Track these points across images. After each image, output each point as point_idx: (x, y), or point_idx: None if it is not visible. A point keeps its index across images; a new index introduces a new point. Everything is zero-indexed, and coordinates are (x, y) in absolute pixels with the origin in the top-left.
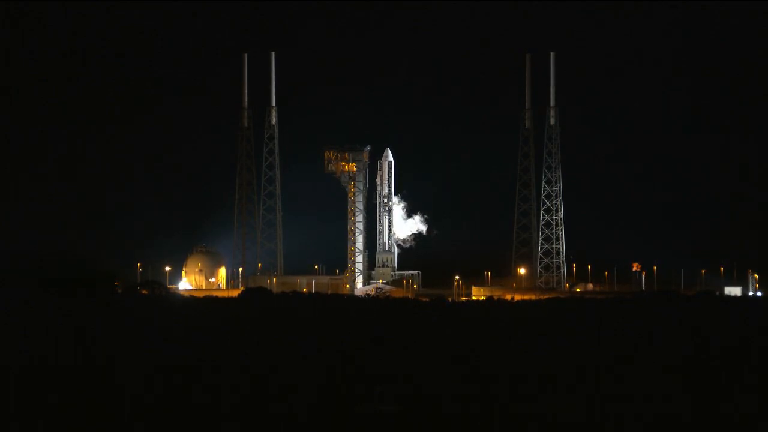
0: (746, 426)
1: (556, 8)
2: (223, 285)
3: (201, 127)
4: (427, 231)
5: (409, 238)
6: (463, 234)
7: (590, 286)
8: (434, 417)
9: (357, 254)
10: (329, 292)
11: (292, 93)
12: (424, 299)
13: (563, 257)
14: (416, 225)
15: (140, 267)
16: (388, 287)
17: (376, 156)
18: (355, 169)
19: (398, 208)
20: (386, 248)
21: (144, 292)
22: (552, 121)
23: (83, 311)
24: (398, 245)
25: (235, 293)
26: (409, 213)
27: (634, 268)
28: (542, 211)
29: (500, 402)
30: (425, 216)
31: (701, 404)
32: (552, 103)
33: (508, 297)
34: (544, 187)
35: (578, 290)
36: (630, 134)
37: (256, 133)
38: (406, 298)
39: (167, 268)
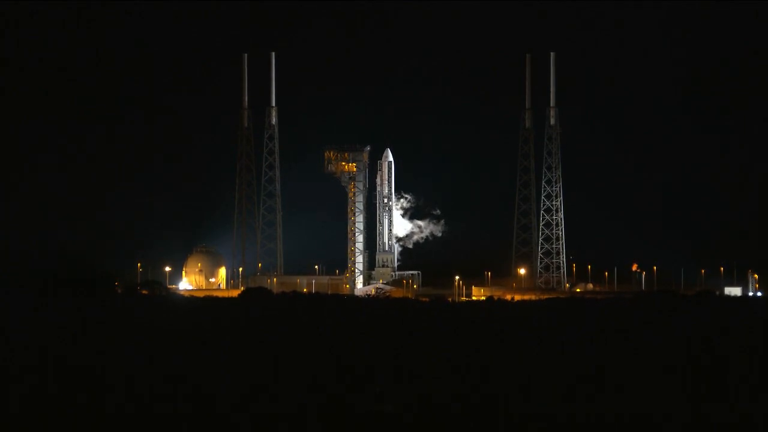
0: (746, 426)
1: (556, 8)
2: (223, 285)
3: (201, 127)
4: (443, 231)
5: (419, 239)
6: (462, 234)
7: (590, 286)
8: (434, 417)
9: (357, 254)
10: (329, 292)
11: (292, 93)
12: (424, 299)
13: (563, 257)
14: (428, 226)
15: (140, 267)
16: (388, 287)
17: (376, 156)
18: (355, 169)
19: (399, 208)
20: (386, 248)
21: (144, 292)
22: (552, 121)
23: (83, 311)
24: (404, 246)
25: (235, 293)
26: (416, 214)
27: (634, 268)
28: (542, 211)
29: (500, 402)
30: (436, 212)
31: (701, 404)
32: (552, 103)
33: (508, 297)
34: (544, 187)
35: (578, 290)
36: (630, 134)
37: (256, 133)
38: (406, 298)
39: (167, 268)
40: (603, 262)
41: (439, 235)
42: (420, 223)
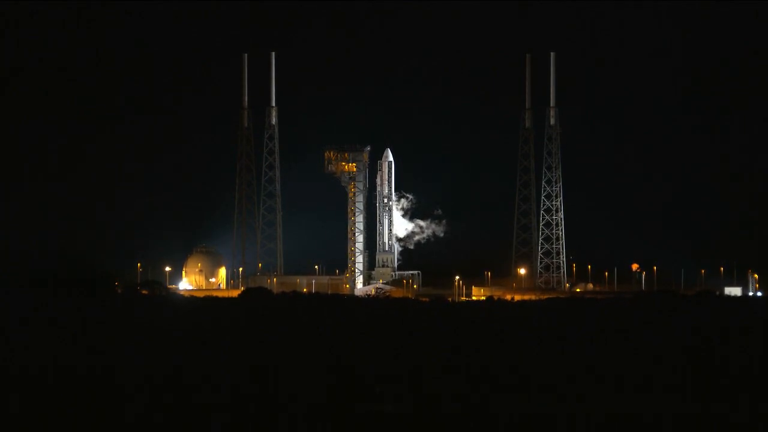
0: (746, 426)
1: (556, 8)
2: (223, 285)
3: (201, 127)
4: (445, 231)
5: (421, 239)
6: (463, 234)
7: (590, 286)
8: (434, 417)
9: (357, 254)
10: (329, 292)
11: (292, 93)
12: (424, 299)
13: (563, 257)
14: (430, 226)
15: (140, 267)
16: (388, 287)
17: (376, 156)
18: (355, 169)
19: (400, 209)
20: (386, 248)
21: (144, 292)
22: (552, 121)
23: (83, 311)
24: (405, 246)
25: (235, 293)
26: (417, 214)
27: (634, 268)
28: (542, 211)
29: (500, 402)
30: (438, 212)
31: (701, 404)
32: (552, 103)
33: (508, 297)
34: (544, 187)
35: (578, 290)
36: (630, 134)
37: (256, 133)
38: (406, 298)
39: (167, 268)
40: (603, 262)
41: (442, 235)
42: (422, 223)
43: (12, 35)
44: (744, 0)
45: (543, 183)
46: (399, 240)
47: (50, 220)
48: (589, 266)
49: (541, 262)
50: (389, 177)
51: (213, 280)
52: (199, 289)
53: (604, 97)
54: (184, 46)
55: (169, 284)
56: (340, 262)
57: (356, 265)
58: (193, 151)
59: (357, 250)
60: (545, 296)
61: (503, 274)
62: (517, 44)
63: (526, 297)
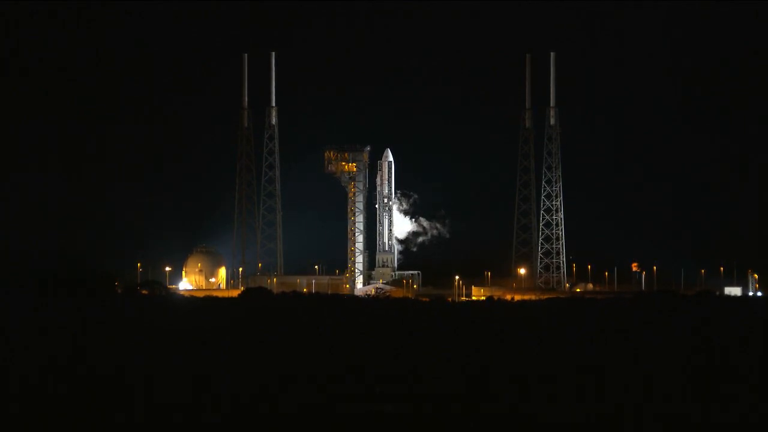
0: (746, 426)
1: (556, 8)
2: (223, 285)
3: (201, 127)
4: (449, 232)
5: (425, 240)
6: (463, 234)
7: (590, 286)
8: (434, 417)
9: (357, 254)
10: (329, 292)
11: (292, 93)
12: (424, 299)
13: (563, 257)
14: (433, 226)
15: (140, 267)
16: (388, 287)
17: (376, 156)
18: (355, 169)
19: (401, 212)
20: (386, 248)
21: (144, 292)
22: (552, 121)
23: (83, 311)
24: (406, 247)
25: (235, 293)
26: (419, 213)
27: (634, 268)
28: (542, 211)
29: (500, 402)
30: (441, 213)
31: (701, 404)
32: (552, 103)
33: (508, 297)
34: (544, 187)
35: (578, 290)
36: (630, 134)
37: (256, 133)
38: (406, 298)
39: (167, 268)
40: (603, 262)
41: (448, 236)
42: (425, 223)
43: (12, 35)
44: (744, 0)
45: (543, 183)
46: (400, 241)
47: (50, 220)
48: (589, 266)
49: (541, 262)
50: (389, 177)
51: (213, 280)
52: (199, 289)
53: (604, 97)
54: (184, 46)
55: (169, 284)
56: (340, 262)
57: (356, 265)
58: (193, 151)
59: (357, 250)
60: (545, 296)
61: (503, 274)
62: (517, 44)
63: (526, 297)
